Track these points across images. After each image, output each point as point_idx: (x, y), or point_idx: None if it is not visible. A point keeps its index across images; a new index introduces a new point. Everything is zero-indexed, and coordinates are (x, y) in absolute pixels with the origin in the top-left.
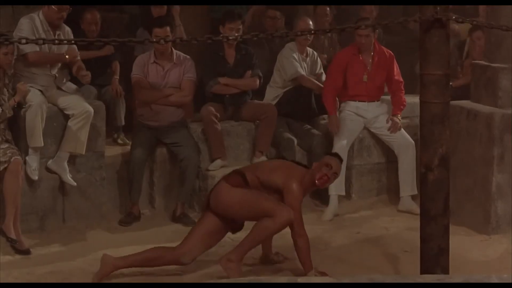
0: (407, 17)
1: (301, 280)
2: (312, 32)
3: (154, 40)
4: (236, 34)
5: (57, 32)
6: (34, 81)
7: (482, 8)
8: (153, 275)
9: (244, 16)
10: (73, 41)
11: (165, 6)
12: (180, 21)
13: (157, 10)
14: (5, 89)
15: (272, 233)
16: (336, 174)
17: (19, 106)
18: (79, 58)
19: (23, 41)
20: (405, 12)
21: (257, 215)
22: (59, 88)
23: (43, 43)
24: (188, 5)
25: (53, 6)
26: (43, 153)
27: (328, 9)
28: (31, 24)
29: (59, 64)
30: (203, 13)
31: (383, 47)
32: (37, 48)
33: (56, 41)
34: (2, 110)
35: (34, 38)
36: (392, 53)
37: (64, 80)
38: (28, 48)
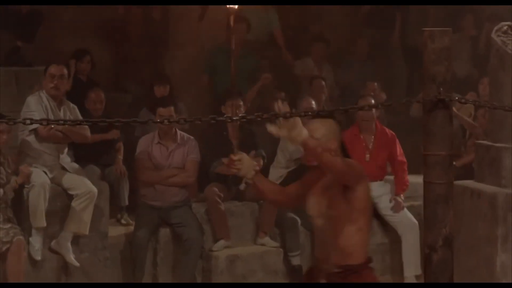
0: (410, 98)
1: None
2: (315, 112)
3: (158, 120)
4: (239, 113)
5: (62, 107)
6: (39, 161)
7: (482, 87)
8: None
9: (244, 94)
10: (77, 122)
11: (168, 86)
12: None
13: (160, 90)
14: (1, 168)
15: None
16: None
17: (22, 185)
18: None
19: (28, 121)
20: (409, 91)
21: None
22: (63, 168)
23: (48, 124)
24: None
25: (46, 75)
26: (46, 233)
27: (323, 82)
28: (39, 101)
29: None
30: (206, 92)
31: (384, 127)
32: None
33: (61, 122)
34: (4, 192)
35: (43, 115)
36: (394, 134)
37: (69, 160)
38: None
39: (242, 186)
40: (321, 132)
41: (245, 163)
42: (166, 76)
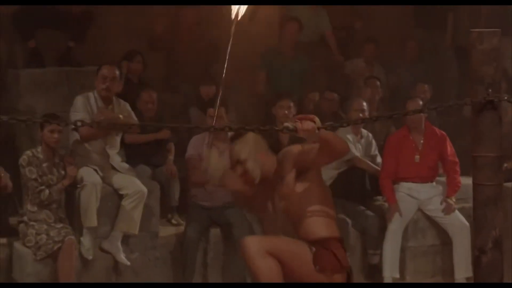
0: (457, 101)
1: None
2: (362, 120)
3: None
4: (289, 114)
5: (110, 106)
6: (89, 160)
7: None
8: None
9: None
10: (128, 126)
11: (214, 87)
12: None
13: (206, 91)
14: (54, 169)
15: None
16: None
17: (73, 185)
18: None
19: (79, 123)
20: (460, 93)
21: None
22: (113, 167)
23: (98, 126)
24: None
25: (98, 76)
26: (97, 232)
27: (378, 82)
28: (85, 102)
29: (116, 143)
30: (257, 93)
31: (434, 127)
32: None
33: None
34: (50, 193)
35: (86, 115)
36: (445, 133)
37: (119, 160)
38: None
39: None
40: (246, 151)
41: None
42: (212, 77)
